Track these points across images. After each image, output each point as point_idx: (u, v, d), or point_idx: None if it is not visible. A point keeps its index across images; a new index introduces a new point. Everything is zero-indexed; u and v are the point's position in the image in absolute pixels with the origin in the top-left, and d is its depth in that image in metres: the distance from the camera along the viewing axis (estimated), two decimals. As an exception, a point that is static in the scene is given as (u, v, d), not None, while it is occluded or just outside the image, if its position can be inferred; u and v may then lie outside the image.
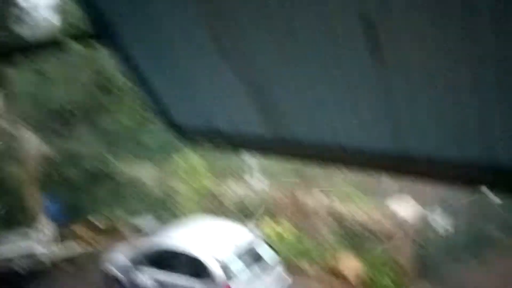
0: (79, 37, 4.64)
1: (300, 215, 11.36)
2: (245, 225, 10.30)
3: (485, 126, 2.01)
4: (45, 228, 11.14)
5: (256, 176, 12.69)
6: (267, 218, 11.55)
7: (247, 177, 12.75)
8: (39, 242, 10.84)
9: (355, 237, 10.59)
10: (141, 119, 11.43)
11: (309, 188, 11.62)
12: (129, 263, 9.40)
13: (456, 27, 1.80)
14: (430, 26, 1.85)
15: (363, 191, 10.96)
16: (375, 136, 2.44)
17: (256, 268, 8.65)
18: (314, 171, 11.44)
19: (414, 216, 10.33)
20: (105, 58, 9.95)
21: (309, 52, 2.31)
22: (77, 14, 8.36)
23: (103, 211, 12.38)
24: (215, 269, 8.25)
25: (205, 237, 9.21)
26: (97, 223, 12.45)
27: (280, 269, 9.08)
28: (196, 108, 3.48)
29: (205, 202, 12.37)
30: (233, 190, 12.46)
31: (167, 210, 12.23)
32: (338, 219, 10.86)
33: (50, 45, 5.20)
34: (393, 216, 10.35)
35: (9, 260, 10.41)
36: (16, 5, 9.95)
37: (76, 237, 11.99)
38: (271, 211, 11.67)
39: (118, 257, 9.79)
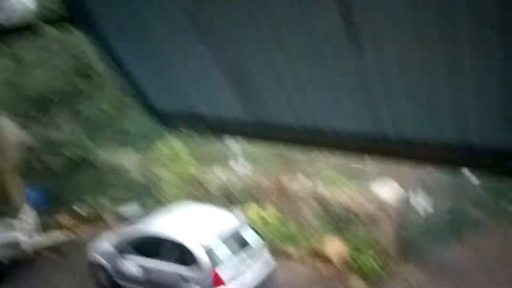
0: (55, 21, 4.52)
1: (285, 200, 11.45)
2: (230, 211, 10.34)
3: (459, 109, 2.05)
4: (28, 217, 11.02)
5: (240, 161, 12.70)
6: (251, 203, 11.61)
7: (231, 162, 12.75)
8: (22, 231, 10.71)
9: (339, 221, 10.73)
10: (121, 105, 11.29)
11: (293, 172, 11.70)
12: (114, 251, 9.38)
13: (432, 11, 1.81)
14: (407, 11, 1.86)
15: (346, 175, 11.09)
16: (355, 120, 2.47)
17: (241, 253, 8.72)
18: (298, 156, 11.51)
19: (396, 198, 10.51)
20: (83, 43, 9.76)
21: (288, 37, 2.31)
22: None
23: (86, 199, 12.29)
24: (201, 255, 8.28)
25: (190, 223, 9.22)
26: (80, 211, 12.37)
27: (265, 253, 9.18)
28: (176, 93, 3.44)
29: (189, 188, 12.36)
30: (217, 176, 12.46)
31: (151, 197, 12.20)
32: (322, 203, 10.99)
33: (26, 30, 5.06)
34: (376, 199, 10.51)
35: (-9, 249, 10.30)
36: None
37: (59, 225, 11.91)
38: (256, 196, 11.73)
39: (103, 245, 9.76)
